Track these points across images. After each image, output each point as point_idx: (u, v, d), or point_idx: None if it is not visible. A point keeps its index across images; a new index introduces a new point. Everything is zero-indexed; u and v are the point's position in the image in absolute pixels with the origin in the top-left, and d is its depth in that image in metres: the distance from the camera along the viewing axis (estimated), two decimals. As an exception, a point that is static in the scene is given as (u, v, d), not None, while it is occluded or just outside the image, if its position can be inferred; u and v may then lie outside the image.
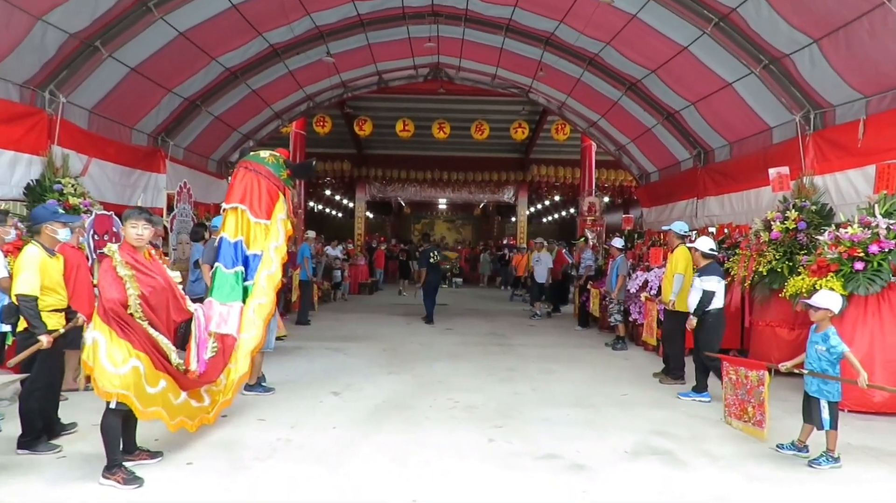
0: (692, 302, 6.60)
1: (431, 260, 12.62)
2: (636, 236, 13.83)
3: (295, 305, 12.09)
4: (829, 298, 4.73)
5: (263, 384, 6.49)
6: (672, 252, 7.40)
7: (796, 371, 4.88)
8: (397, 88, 15.71)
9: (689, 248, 7.03)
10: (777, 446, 4.96)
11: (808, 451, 4.83)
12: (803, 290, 6.58)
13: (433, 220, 37.33)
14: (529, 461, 4.66)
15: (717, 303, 6.57)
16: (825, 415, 4.59)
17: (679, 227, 7.41)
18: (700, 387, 6.60)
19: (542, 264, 14.23)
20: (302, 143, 17.99)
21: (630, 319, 10.08)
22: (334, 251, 17.10)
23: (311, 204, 30.27)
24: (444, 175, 24.12)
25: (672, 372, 7.40)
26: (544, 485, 4.23)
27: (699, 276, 6.58)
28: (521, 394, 6.69)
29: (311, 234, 12.92)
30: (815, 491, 4.21)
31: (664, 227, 7.60)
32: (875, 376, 6.08)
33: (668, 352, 7.56)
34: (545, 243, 15.02)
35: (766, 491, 4.20)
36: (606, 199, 25.48)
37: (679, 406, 6.31)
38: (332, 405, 6.12)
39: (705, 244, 6.75)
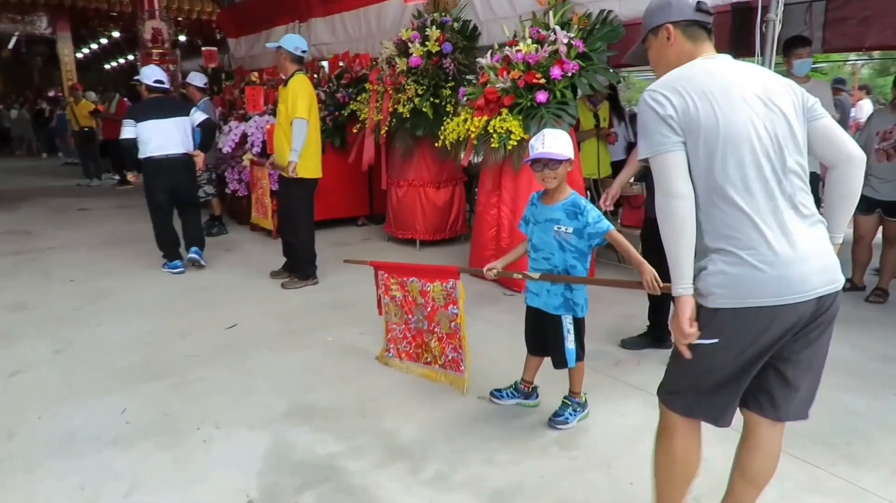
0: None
1: None
2: (224, 77, 10.51)
3: None
4: (564, 142, 2.68)
5: None
6: (285, 86, 4.63)
7: (517, 276, 2.90)
8: None
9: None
10: (492, 395, 3.06)
11: (537, 397, 3.04)
12: (471, 134, 4.69)
13: (-76, 61, 25.80)
14: None
15: (151, 149, 5.11)
16: (570, 343, 2.74)
17: (293, 41, 4.62)
18: (171, 255, 5.36)
19: None
20: None
21: (228, 191, 7.19)
22: None
23: None
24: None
25: (300, 268, 4.97)
26: None
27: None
28: (23, 374, 3.38)
29: None
30: (580, 482, 2.39)
31: (269, 45, 4.74)
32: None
33: (289, 239, 5.04)
34: None
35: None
36: (183, 38, 20.63)
37: (320, 332, 3.96)
38: None
39: (150, 74, 5.35)
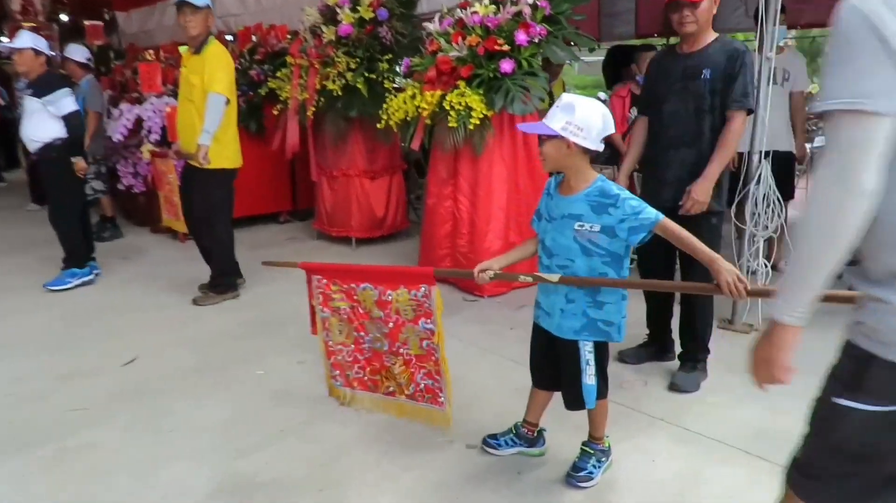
0: (40, 137, 4.16)
1: None
2: (113, 56, 9.19)
3: None
4: (563, 113, 1.91)
5: None
6: (198, 53, 3.71)
7: (525, 278, 2.19)
8: None
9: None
10: (486, 443, 2.38)
11: (544, 443, 2.38)
12: (422, 112, 3.96)
13: None
14: None
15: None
16: (589, 377, 2.09)
17: (206, -2, 3.71)
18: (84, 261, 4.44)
19: None
20: None
21: (121, 187, 6.08)
22: None
23: None
24: None
25: (216, 279, 4.09)
26: None
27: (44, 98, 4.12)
28: None
29: None
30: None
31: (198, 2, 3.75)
32: (508, 235, 4.13)
33: (205, 244, 4.14)
34: None
35: None
36: (65, 17, 18.43)
37: (248, 364, 3.14)
38: None
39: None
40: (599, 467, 2.20)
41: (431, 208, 4.30)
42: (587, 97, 1.95)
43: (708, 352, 2.95)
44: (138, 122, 5.69)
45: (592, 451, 2.21)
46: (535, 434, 2.35)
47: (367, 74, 4.85)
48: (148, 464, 2.30)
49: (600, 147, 1.98)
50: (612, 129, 1.97)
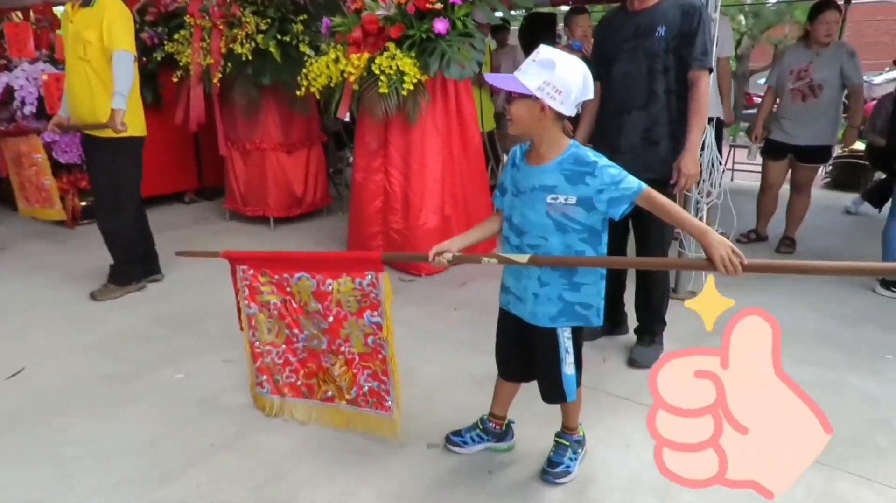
0: None
1: None
2: (-27, 18, 8.03)
3: None
4: (542, 68, 1.64)
5: None
6: (88, 5, 3.18)
7: (489, 261, 1.92)
8: None
9: None
10: (449, 440, 2.15)
11: (512, 436, 2.18)
12: (349, 77, 3.60)
13: None
14: None
15: None
16: (569, 367, 1.90)
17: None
18: None
19: None
20: None
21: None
22: None
23: None
24: None
25: (119, 268, 3.59)
26: None
27: None
28: None
29: None
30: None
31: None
32: (444, 208, 3.91)
33: (109, 228, 3.59)
34: None
35: None
36: None
37: (164, 367, 2.74)
38: None
39: None
40: (576, 459, 2.03)
41: (360, 183, 3.97)
42: (566, 53, 1.71)
43: (664, 324, 2.86)
44: (8, 91, 4.95)
45: (568, 443, 2.04)
46: (504, 427, 2.15)
47: (279, 37, 4.40)
48: (47, 501, 1.90)
49: (572, 113, 1.76)
50: (591, 94, 1.74)
